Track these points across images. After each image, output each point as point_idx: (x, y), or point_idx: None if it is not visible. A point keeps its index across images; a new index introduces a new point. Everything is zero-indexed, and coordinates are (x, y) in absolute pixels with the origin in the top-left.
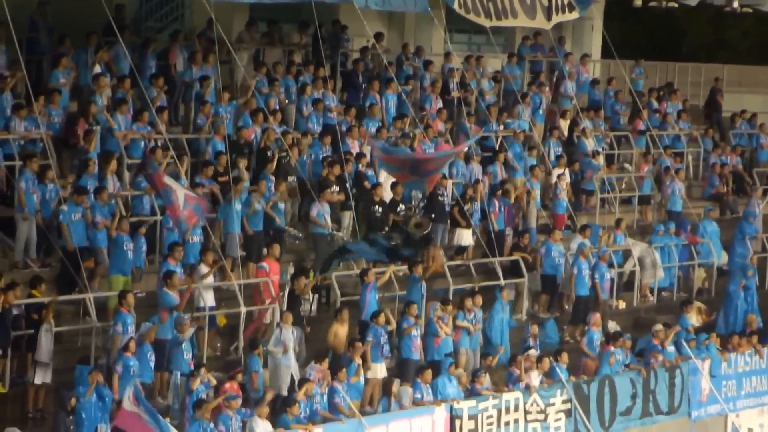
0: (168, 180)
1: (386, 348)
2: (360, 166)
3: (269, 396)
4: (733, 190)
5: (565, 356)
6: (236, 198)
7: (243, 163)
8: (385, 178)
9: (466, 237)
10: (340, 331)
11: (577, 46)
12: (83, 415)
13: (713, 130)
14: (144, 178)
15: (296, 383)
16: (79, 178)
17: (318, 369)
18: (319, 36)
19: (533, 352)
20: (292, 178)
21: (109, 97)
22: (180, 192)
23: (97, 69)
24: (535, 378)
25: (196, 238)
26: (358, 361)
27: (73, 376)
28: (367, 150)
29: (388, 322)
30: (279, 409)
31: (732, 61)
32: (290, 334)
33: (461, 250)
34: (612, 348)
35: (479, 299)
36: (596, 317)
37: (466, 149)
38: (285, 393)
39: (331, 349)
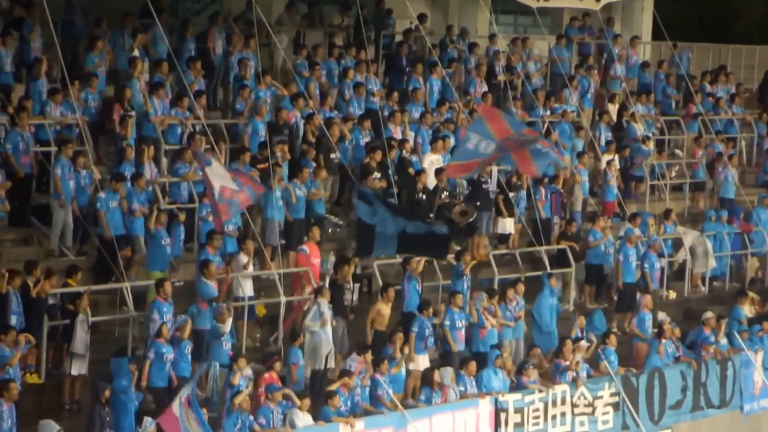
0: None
1: (430, 340)
2: (404, 152)
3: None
4: None
5: (613, 339)
6: (276, 184)
7: (282, 148)
8: (429, 164)
9: (508, 225)
10: (384, 309)
11: (626, 27)
12: (121, 407)
13: (767, 114)
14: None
15: (331, 357)
16: (117, 164)
17: (359, 360)
18: (361, 18)
19: (583, 343)
20: (334, 155)
21: (146, 81)
22: (216, 184)
23: (135, 52)
24: (582, 370)
25: (231, 227)
26: (398, 353)
27: (109, 366)
28: (410, 135)
29: (435, 314)
30: (320, 402)
31: None
32: (327, 309)
33: (503, 238)
34: (661, 339)
35: (521, 287)
36: (647, 299)
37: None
38: (322, 367)
39: (371, 327)
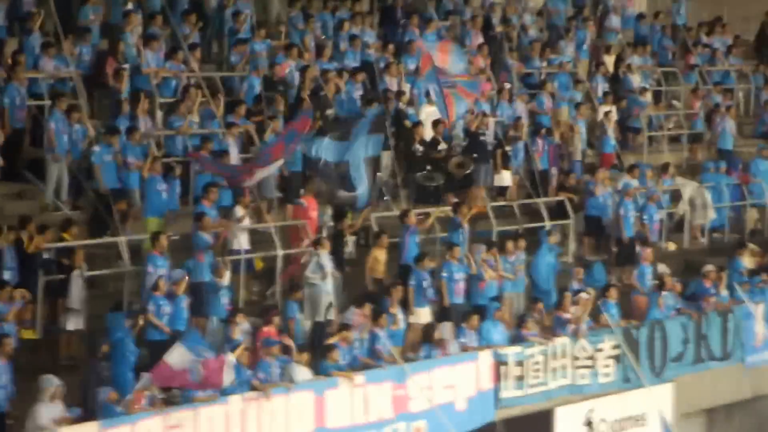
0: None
1: (430, 291)
2: (400, 104)
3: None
4: None
5: (613, 291)
6: (271, 135)
7: (279, 101)
8: (426, 116)
9: (505, 178)
10: (380, 255)
11: None
12: (120, 361)
13: (764, 65)
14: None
15: (332, 309)
16: (112, 118)
17: (358, 313)
18: None
19: (584, 295)
20: (330, 112)
21: (139, 34)
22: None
23: (129, 6)
24: (583, 322)
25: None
26: (396, 308)
27: (105, 321)
28: (406, 87)
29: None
30: (318, 356)
31: None
32: (328, 261)
33: (501, 190)
34: (661, 291)
35: (522, 242)
36: (647, 251)
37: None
38: (322, 319)
39: (369, 277)
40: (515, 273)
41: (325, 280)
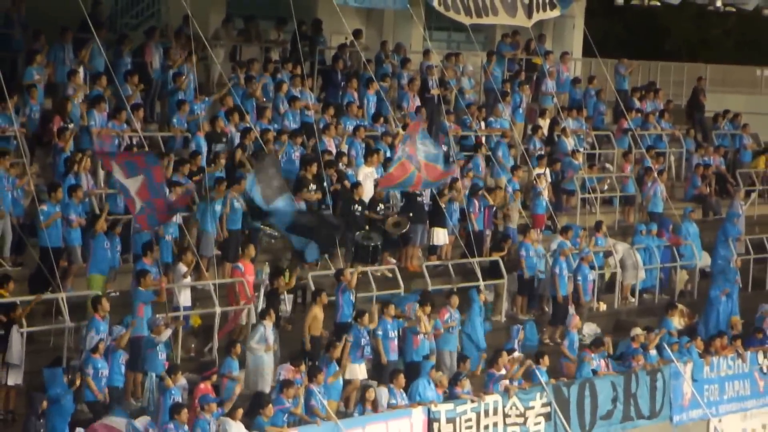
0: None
1: (367, 349)
2: (340, 164)
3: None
4: (715, 191)
5: (546, 359)
6: (218, 197)
7: (221, 159)
8: (363, 177)
9: (441, 236)
10: (319, 314)
11: (557, 44)
12: (57, 417)
13: (695, 130)
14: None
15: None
16: (57, 176)
17: (288, 369)
18: (298, 33)
19: (517, 355)
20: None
21: (85, 94)
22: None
23: (79, 67)
24: (516, 381)
25: (169, 237)
26: (334, 364)
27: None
28: (345, 148)
29: (371, 321)
30: (253, 411)
31: (715, 60)
32: (272, 333)
33: (435, 249)
34: (591, 353)
35: (455, 299)
36: (576, 319)
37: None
38: (267, 390)
39: (307, 333)
40: (449, 330)
41: (268, 353)
